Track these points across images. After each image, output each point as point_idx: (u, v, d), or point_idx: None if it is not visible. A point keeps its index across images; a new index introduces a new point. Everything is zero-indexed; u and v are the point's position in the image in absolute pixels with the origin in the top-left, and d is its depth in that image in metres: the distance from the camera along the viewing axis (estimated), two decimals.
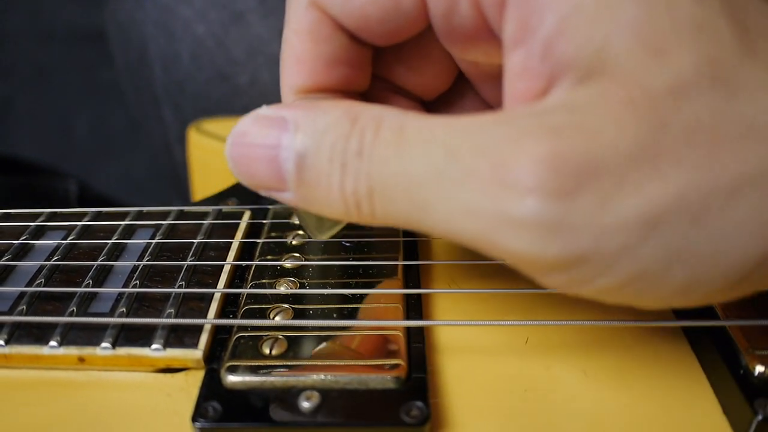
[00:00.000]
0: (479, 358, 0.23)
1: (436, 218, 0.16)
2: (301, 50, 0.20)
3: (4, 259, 0.26)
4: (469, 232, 0.16)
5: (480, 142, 0.16)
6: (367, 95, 0.23)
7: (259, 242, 0.27)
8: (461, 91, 0.24)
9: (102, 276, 0.25)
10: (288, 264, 0.26)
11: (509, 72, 0.18)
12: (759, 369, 0.21)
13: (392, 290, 0.24)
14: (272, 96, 0.47)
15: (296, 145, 0.17)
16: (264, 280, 0.25)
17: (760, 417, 0.20)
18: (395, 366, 0.21)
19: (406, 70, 0.23)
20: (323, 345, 0.22)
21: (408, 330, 0.23)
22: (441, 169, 0.16)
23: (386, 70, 0.23)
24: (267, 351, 0.22)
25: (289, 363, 0.21)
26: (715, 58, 0.15)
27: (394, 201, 0.17)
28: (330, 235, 0.25)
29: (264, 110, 0.19)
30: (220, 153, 0.39)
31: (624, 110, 0.15)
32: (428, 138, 0.16)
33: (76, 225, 0.28)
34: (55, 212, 0.29)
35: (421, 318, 0.24)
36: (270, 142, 0.18)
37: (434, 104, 0.25)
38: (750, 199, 0.15)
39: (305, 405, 0.20)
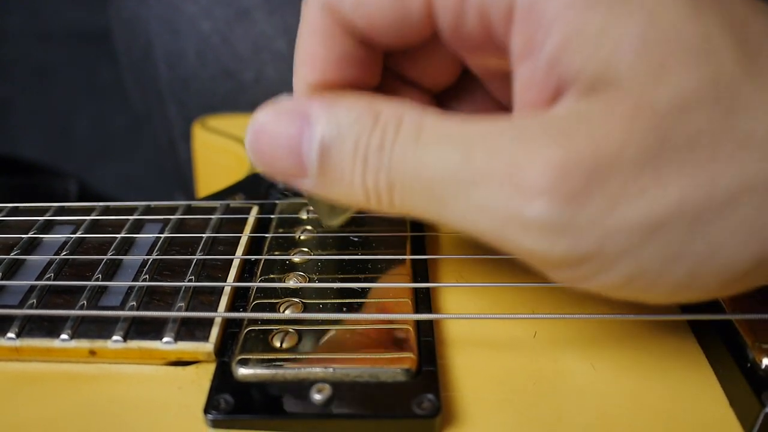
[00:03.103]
0: (488, 352, 0.23)
1: (451, 213, 0.17)
2: (313, 49, 0.21)
3: (13, 253, 0.26)
4: (483, 229, 0.17)
5: (494, 144, 0.17)
6: (377, 86, 0.23)
7: (267, 237, 0.27)
8: (468, 84, 0.25)
9: (112, 270, 0.25)
10: (296, 258, 0.26)
11: (517, 82, 0.19)
12: (766, 362, 0.21)
13: (401, 284, 0.25)
14: (277, 93, 0.47)
15: (320, 136, 0.18)
16: (273, 275, 0.25)
17: (767, 409, 0.20)
18: (406, 359, 0.21)
19: (414, 65, 0.23)
20: (333, 338, 0.22)
21: (418, 324, 0.23)
22: (457, 169, 0.17)
23: (394, 62, 0.23)
24: (278, 344, 0.22)
25: (299, 356, 0.21)
26: (717, 75, 0.16)
27: (412, 195, 0.18)
28: (342, 219, 0.25)
29: (285, 102, 0.19)
30: (225, 149, 0.40)
31: (629, 121, 0.16)
32: (445, 138, 0.17)
33: (85, 219, 0.28)
34: (63, 207, 0.29)
35: (430, 312, 0.24)
36: (293, 132, 0.18)
37: (442, 96, 0.25)
38: (747, 206, 0.16)
39: (317, 397, 0.20)
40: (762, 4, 0.18)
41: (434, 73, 0.24)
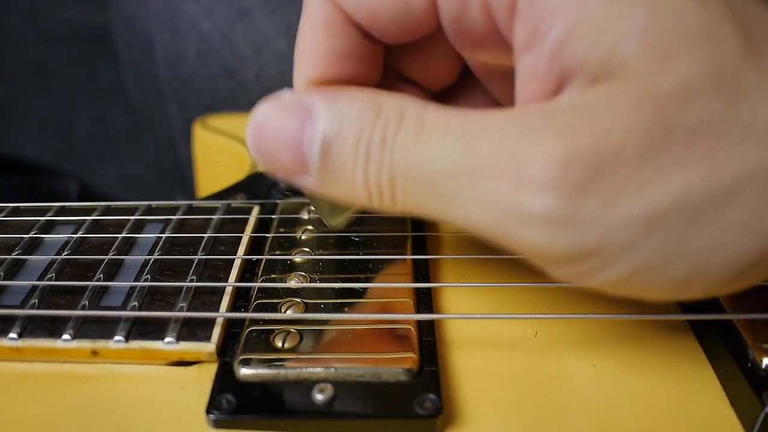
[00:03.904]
0: (489, 352, 0.23)
1: (453, 208, 0.17)
2: (314, 43, 0.21)
3: (14, 253, 0.26)
4: (484, 223, 0.17)
5: (496, 137, 0.16)
6: (377, 84, 0.23)
7: (268, 237, 0.27)
8: (468, 84, 0.25)
9: (113, 270, 0.25)
10: (298, 258, 0.26)
11: (520, 75, 0.18)
12: (766, 362, 0.21)
13: (402, 284, 0.25)
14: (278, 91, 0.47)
15: (322, 131, 0.18)
16: (274, 275, 0.25)
17: (767, 409, 0.20)
18: (407, 359, 0.21)
19: (413, 63, 0.23)
20: (335, 338, 0.22)
21: (419, 324, 0.23)
22: (459, 162, 0.17)
23: (394, 60, 0.23)
24: (279, 344, 0.22)
25: (301, 356, 0.21)
26: (720, 63, 0.16)
27: (414, 190, 0.17)
28: (343, 219, 0.25)
29: (286, 96, 0.19)
30: (226, 149, 0.40)
31: (632, 111, 0.16)
32: (447, 131, 0.17)
33: (86, 220, 0.28)
34: (64, 207, 0.29)
35: (431, 312, 0.24)
36: (293, 127, 0.18)
37: (441, 95, 0.25)
38: (748, 198, 0.16)
39: (319, 397, 0.20)
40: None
41: (434, 71, 0.24)
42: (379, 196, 0.18)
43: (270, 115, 0.19)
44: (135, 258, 0.26)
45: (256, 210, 0.29)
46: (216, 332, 0.22)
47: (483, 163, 0.16)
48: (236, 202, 0.30)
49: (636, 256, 0.16)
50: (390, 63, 0.23)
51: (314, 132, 0.18)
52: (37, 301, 0.23)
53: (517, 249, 0.17)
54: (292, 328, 0.23)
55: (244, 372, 0.21)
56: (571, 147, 0.16)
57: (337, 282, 0.25)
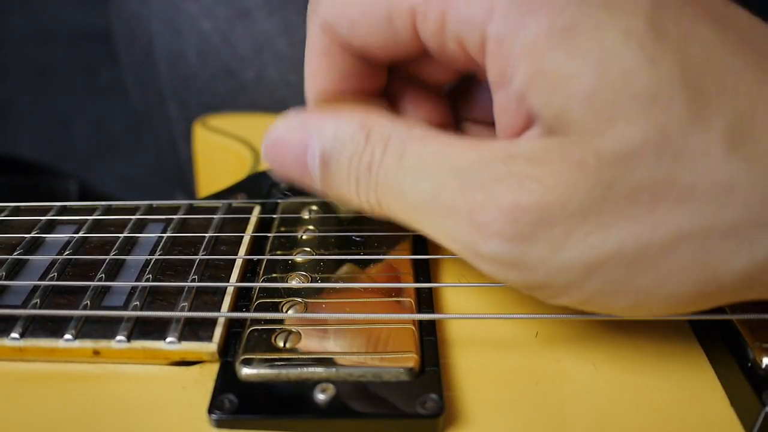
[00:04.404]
0: (490, 352, 0.23)
1: (428, 232, 0.20)
2: (317, 65, 0.23)
3: (15, 253, 0.26)
4: (451, 249, 0.20)
5: (461, 182, 0.18)
6: (384, 87, 0.25)
7: (269, 236, 0.27)
8: (472, 81, 0.25)
9: (114, 270, 0.25)
10: (299, 258, 0.26)
11: (495, 105, 0.20)
12: (766, 362, 0.21)
13: (403, 284, 0.25)
14: (278, 92, 0.47)
15: (320, 149, 0.21)
16: (275, 274, 0.25)
17: (767, 409, 0.20)
18: (409, 359, 0.21)
19: (417, 67, 0.24)
20: (336, 338, 0.22)
21: (420, 323, 0.23)
22: (428, 200, 0.19)
23: (398, 64, 0.24)
24: (281, 344, 0.22)
25: (303, 356, 0.22)
26: (664, 127, 0.17)
27: (396, 213, 0.20)
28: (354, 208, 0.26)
29: (292, 115, 0.22)
30: (226, 149, 0.40)
31: (577, 170, 0.17)
32: (422, 167, 0.19)
33: (87, 219, 0.28)
34: (66, 206, 0.29)
35: (432, 312, 0.24)
36: (298, 145, 0.21)
37: (451, 88, 0.26)
38: (687, 251, 0.17)
39: (320, 397, 0.20)
40: (742, 20, 0.18)
41: (438, 73, 0.24)
42: (370, 209, 0.21)
43: (279, 133, 0.22)
44: (136, 258, 0.26)
45: (257, 210, 0.29)
46: (218, 332, 0.22)
47: (447, 205, 0.19)
48: (237, 202, 0.30)
49: (581, 292, 0.18)
50: (395, 66, 0.24)
51: (314, 150, 0.21)
52: (38, 301, 0.23)
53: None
54: (294, 328, 0.23)
55: (246, 372, 0.21)
56: (519, 200, 0.17)
57: (338, 282, 0.25)
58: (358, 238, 0.27)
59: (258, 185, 0.32)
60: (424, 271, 0.26)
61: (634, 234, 0.17)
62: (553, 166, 0.17)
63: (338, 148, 0.20)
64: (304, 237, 0.27)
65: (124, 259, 0.26)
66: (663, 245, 0.17)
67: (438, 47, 0.20)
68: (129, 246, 0.27)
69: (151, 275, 0.25)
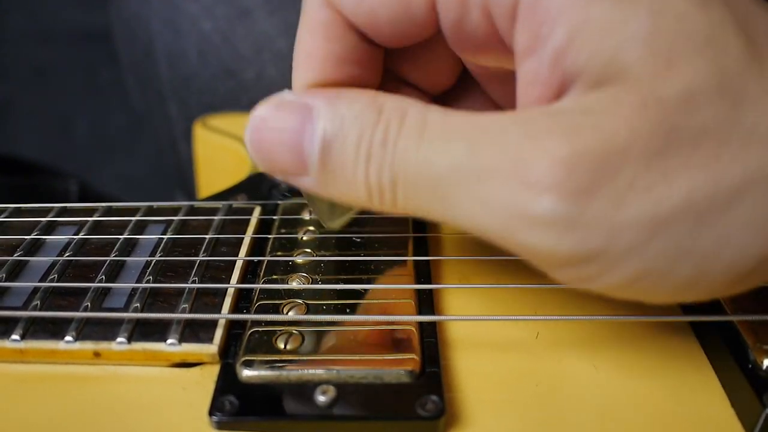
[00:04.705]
0: (491, 353, 0.23)
1: (455, 210, 0.17)
2: (313, 47, 0.21)
3: (16, 254, 0.26)
4: (487, 226, 0.17)
5: (500, 140, 0.16)
6: (376, 88, 0.23)
7: (270, 238, 0.27)
8: (467, 87, 0.25)
9: (115, 271, 0.25)
10: (299, 259, 0.26)
11: (521, 78, 0.18)
12: (767, 363, 0.21)
13: (404, 286, 0.25)
14: (278, 91, 0.47)
15: (322, 130, 0.18)
16: (276, 276, 0.25)
17: None
18: (409, 360, 0.21)
19: (412, 66, 0.23)
20: (337, 340, 0.22)
21: (420, 325, 0.23)
22: (462, 164, 0.16)
23: (394, 63, 0.23)
24: (281, 346, 0.22)
25: (303, 357, 0.22)
26: (723, 68, 0.16)
27: (415, 192, 0.17)
28: (342, 222, 0.25)
29: (287, 96, 0.19)
30: (226, 149, 0.40)
31: (636, 114, 0.16)
32: (450, 132, 0.17)
33: (87, 220, 0.28)
34: (66, 207, 0.29)
35: (433, 313, 0.24)
36: (293, 126, 0.18)
37: (440, 98, 0.25)
38: (752, 200, 0.16)
39: (321, 399, 0.20)
40: (762, 2, 0.18)
41: (433, 74, 0.24)
42: (379, 197, 0.18)
43: (269, 115, 0.19)
44: (137, 259, 0.26)
45: (257, 211, 0.29)
46: (218, 334, 0.22)
47: (487, 165, 0.16)
48: (237, 203, 0.30)
49: (641, 258, 0.16)
50: (389, 66, 0.23)
51: (314, 131, 0.18)
52: (39, 302, 0.23)
53: (520, 252, 0.17)
54: (294, 330, 0.23)
55: (247, 373, 0.21)
56: (575, 149, 0.15)
57: (338, 283, 0.25)
58: (358, 240, 0.27)
59: (258, 186, 0.32)
60: (424, 272, 0.26)
61: (700, 183, 0.16)
62: (608, 112, 0.16)
63: (345, 127, 0.18)
64: (304, 238, 0.27)
65: (125, 261, 0.26)
66: (730, 194, 0.16)
67: (456, 20, 0.19)
68: (129, 247, 0.27)
69: (151, 276, 0.25)
